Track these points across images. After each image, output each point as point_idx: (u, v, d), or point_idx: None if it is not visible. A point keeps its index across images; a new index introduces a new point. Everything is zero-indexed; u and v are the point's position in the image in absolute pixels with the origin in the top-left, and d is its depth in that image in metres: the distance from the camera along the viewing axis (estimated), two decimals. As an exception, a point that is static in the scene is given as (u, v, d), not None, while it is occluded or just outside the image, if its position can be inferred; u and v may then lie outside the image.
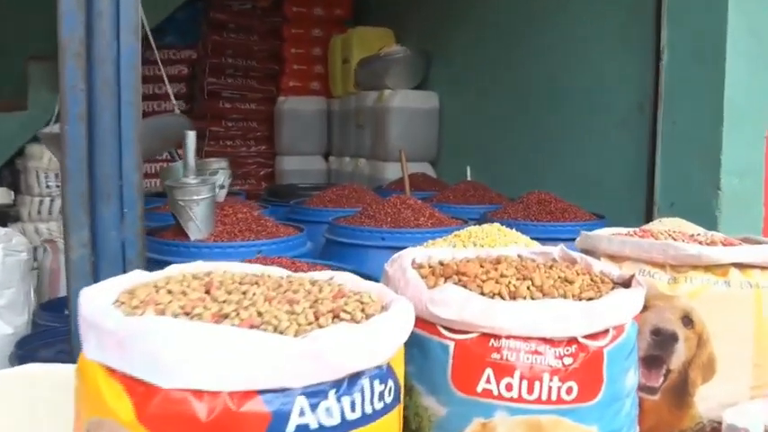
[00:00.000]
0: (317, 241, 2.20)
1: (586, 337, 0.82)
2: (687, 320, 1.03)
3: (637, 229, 1.33)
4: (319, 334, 0.65)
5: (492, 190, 2.92)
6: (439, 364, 0.84)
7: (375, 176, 3.95)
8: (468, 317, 0.82)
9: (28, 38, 3.29)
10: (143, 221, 1.55)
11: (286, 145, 4.77)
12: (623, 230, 1.34)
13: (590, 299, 0.88)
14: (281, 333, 0.68)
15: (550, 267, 1.00)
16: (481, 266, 0.98)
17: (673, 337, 1.04)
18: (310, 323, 0.71)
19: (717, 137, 1.93)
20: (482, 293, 0.87)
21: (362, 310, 0.76)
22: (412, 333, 0.88)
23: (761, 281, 1.03)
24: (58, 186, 4.05)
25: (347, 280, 0.91)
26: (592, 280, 0.94)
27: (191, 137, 1.71)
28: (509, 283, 0.90)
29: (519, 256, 1.15)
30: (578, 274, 0.95)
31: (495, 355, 0.81)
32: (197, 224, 1.71)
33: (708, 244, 1.10)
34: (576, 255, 1.09)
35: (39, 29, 2.40)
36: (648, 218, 2.25)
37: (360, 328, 0.69)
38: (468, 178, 3.60)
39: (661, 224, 1.82)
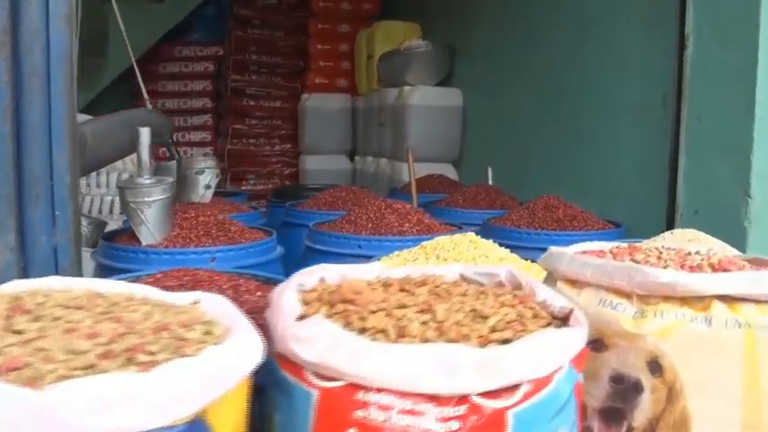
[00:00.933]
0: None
1: (484, 394, 0.62)
2: (655, 366, 0.81)
3: (623, 244, 1.10)
4: (73, 385, 0.49)
5: (506, 193, 2.69)
6: (301, 417, 0.66)
7: (395, 177, 3.77)
8: (332, 361, 0.64)
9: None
10: (78, 225, 1.43)
11: (309, 144, 4.64)
12: (608, 245, 1.12)
13: (506, 340, 0.69)
14: (38, 379, 0.52)
15: (478, 296, 0.81)
16: (385, 291, 0.79)
17: (636, 387, 0.82)
18: (88, 367, 0.54)
19: (747, 135, 1.66)
20: (363, 329, 0.69)
21: (177, 350, 0.59)
22: (280, 375, 0.71)
23: (755, 319, 0.80)
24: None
25: (215, 306, 0.75)
26: (519, 314, 0.74)
27: (144, 134, 1.58)
28: (403, 316, 0.71)
29: (461, 276, 0.96)
30: (503, 306, 0.75)
31: (361, 413, 0.62)
32: (149, 228, 1.58)
33: (693, 267, 0.88)
34: (524, 278, 0.89)
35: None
36: (670, 226, 1.99)
37: (140, 377, 0.52)
38: (490, 181, 3.37)
39: (672, 236, 1.57)
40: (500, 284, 0.92)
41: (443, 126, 3.63)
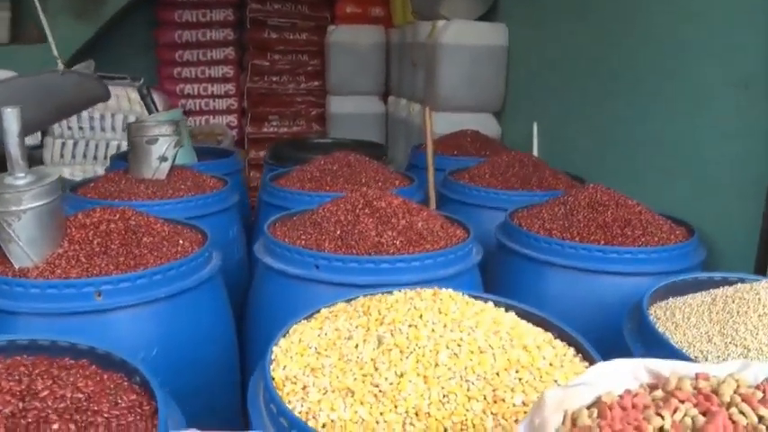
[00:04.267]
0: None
1: None
2: None
3: (671, 378, 0.60)
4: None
5: (547, 167, 2.12)
6: None
7: (426, 128, 3.21)
8: None
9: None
10: None
11: (336, 84, 4.08)
12: (639, 374, 0.63)
13: None
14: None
15: None
16: None
17: None
18: None
19: None
20: None
21: None
22: None
23: None
24: (80, 128, 3.74)
25: None
26: None
27: (10, 117, 1.13)
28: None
29: None
30: None
31: None
32: (21, 246, 1.16)
33: None
34: None
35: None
36: (765, 242, 1.41)
37: None
38: (534, 139, 2.78)
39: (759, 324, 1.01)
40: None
41: (484, 69, 3.01)
